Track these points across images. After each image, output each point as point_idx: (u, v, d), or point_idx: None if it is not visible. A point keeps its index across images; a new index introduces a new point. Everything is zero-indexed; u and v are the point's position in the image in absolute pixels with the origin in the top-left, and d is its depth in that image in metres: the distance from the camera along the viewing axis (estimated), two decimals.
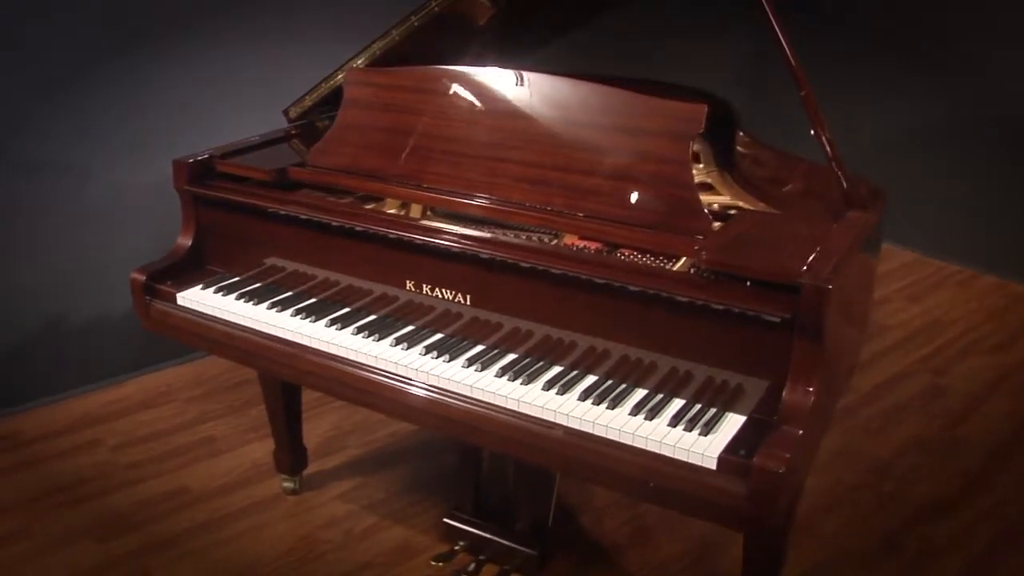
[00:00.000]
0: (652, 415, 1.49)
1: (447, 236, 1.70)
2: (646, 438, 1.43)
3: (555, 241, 1.77)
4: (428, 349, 1.71)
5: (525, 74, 1.79)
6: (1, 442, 2.71)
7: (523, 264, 1.62)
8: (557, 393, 1.56)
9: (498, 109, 1.79)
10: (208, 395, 2.99)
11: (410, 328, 1.79)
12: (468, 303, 1.72)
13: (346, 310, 1.87)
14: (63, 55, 2.67)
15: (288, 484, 2.47)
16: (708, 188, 1.95)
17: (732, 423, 1.47)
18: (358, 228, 1.80)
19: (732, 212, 1.81)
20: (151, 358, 3.11)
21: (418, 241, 1.73)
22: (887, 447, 2.71)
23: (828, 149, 1.70)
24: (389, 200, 1.96)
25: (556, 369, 1.64)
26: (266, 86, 2.74)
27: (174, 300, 1.97)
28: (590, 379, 1.61)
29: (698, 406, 1.51)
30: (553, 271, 1.59)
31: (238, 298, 1.94)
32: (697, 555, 2.24)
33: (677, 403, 1.53)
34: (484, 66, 1.84)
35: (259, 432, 2.71)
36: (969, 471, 2.59)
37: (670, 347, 1.55)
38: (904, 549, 2.27)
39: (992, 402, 2.98)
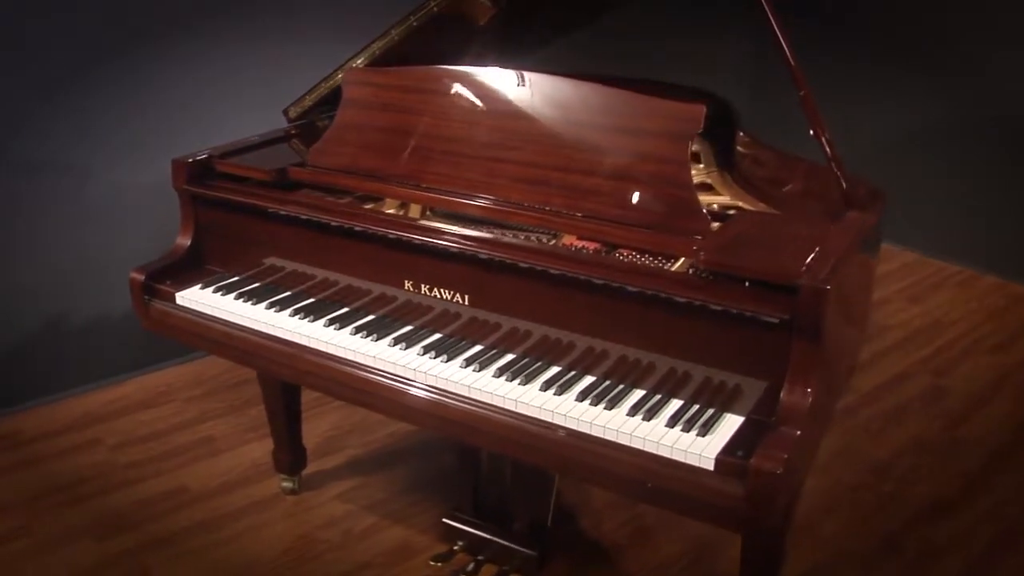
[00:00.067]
0: (650, 415, 1.49)
1: (446, 236, 1.70)
2: (644, 438, 1.43)
3: (554, 241, 1.76)
4: (426, 349, 1.71)
5: (524, 74, 1.79)
6: (1, 441, 2.72)
7: (522, 264, 1.62)
8: (555, 393, 1.56)
9: (497, 109, 1.79)
10: (208, 395, 3.00)
11: (408, 328, 1.79)
12: (466, 303, 1.72)
13: (345, 310, 1.87)
14: (63, 55, 2.67)
15: (287, 484, 2.47)
16: (708, 188, 1.95)
17: (730, 424, 1.47)
18: (357, 228, 1.80)
19: (731, 212, 1.81)
20: (151, 358, 3.11)
21: (417, 241, 1.73)
22: (887, 448, 2.71)
23: (827, 149, 1.70)
24: (388, 200, 1.96)
25: (554, 369, 1.64)
26: (266, 86, 2.74)
27: (173, 300, 1.97)
28: (588, 379, 1.61)
29: (696, 407, 1.51)
30: (551, 271, 1.59)
31: (237, 298, 1.94)
32: (696, 556, 2.23)
33: (675, 403, 1.53)
34: (484, 66, 1.84)
35: (258, 432, 2.71)
36: (969, 472, 2.59)
37: (668, 347, 1.54)
38: (904, 550, 2.27)
39: (993, 403, 2.98)
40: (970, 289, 3.89)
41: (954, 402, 2.97)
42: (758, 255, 1.52)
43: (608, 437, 1.46)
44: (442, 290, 1.74)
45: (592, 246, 1.72)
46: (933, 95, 4.07)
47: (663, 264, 1.64)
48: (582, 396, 1.55)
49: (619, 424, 1.47)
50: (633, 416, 1.49)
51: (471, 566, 2.09)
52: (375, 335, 1.76)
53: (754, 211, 1.82)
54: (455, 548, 2.14)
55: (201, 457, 2.65)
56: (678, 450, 1.40)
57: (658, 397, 1.54)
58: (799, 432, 1.36)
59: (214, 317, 1.92)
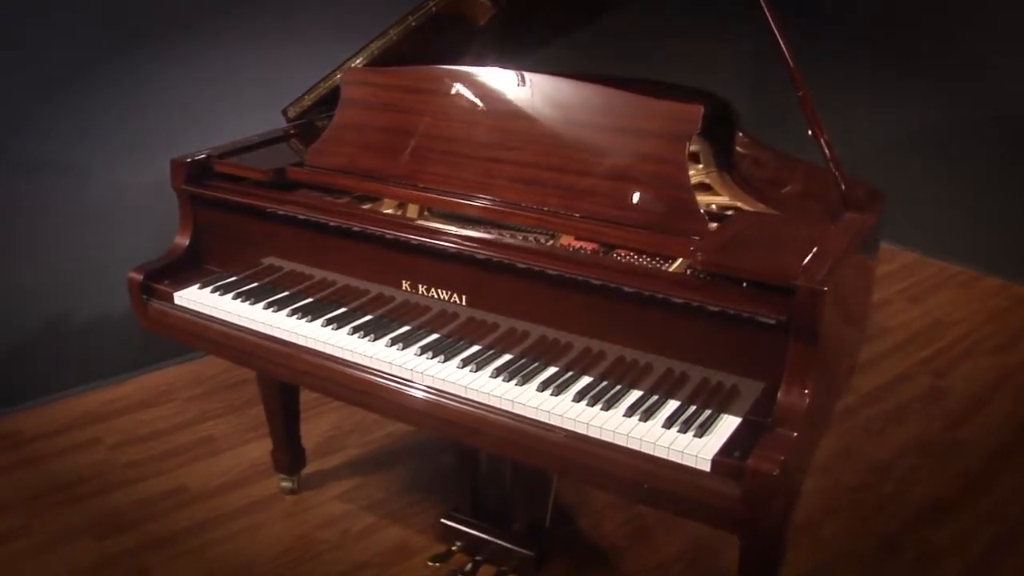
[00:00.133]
0: (647, 416, 1.49)
1: (443, 236, 1.70)
2: (640, 439, 1.43)
3: (551, 242, 1.76)
4: (424, 349, 1.71)
5: (522, 74, 1.79)
6: (1, 441, 2.72)
7: (519, 265, 1.61)
8: (552, 394, 1.56)
9: (495, 109, 1.79)
10: (208, 394, 3.00)
11: (406, 328, 1.79)
12: (464, 303, 1.72)
13: (342, 310, 1.87)
14: (63, 55, 2.67)
15: (286, 484, 2.47)
16: (707, 188, 1.95)
17: (727, 425, 1.46)
18: (355, 228, 1.80)
19: (730, 213, 1.81)
20: (151, 357, 3.11)
21: (414, 241, 1.73)
22: (887, 448, 2.70)
23: (826, 150, 1.70)
24: (386, 200, 1.96)
25: (551, 370, 1.64)
26: (266, 86, 2.74)
27: (171, 299, 1.97)
28: (585, 380, 1.60)
29: (693, 407, 1.51)
30: (549, 272, 1.59)
31: (235, 298, 1.94)
32: (695, 556, 2.23)
33: (672, 404, 1.52)
34: (484, 66, 1.84)
35: (258, 432, 2.71)
36: (969, 473, 2.59)
37: (666, 348, 1.54)
38: (904, 551, 2.27)
39: (993, 404, 2.97)
40: (971, 290, 3.88)
41: (954, 403, 2.96)
42: (756, 256, 1.52)
43: (605, 438, 1.46)
44: (440, 290, 1.74)
45: (590, 246, 1.72)
46: (934, 95, 4.06)
47: (661, 265, 1.63)
48: (579, 396, 1.55)
49: (616, 425, 1.47)
50: (630, 417, 1.49)
51: (469, 566, 2.09)
52: (372, 335, 1.76)
53: (752, 212, 1.82)
54: (453, 548, 2.14)
55: (201, 457, 2.66)
56: (675, 451, 1.40)
57: (655, 398, 1.54)
58: (796, 433, 1.35)
59: (212, 317, 1.92)
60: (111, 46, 2.76)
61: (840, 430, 2.76)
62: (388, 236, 1.76)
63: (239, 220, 1.98)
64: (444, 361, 1.68)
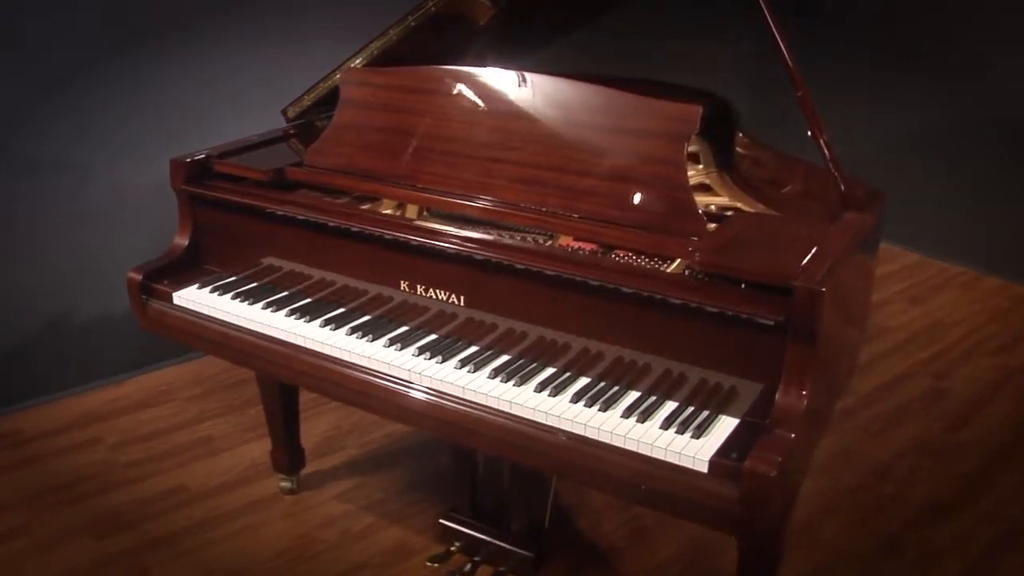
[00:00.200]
0: (644, 417, 1.48)
1: (442, 237, 1.70)
2: (638, 440, 1.43)
3: (550, 242, 1.76)
4: (421, 350, 1.71)
5: (521, 74, 1.78)
6: (1, 440, 2.72)
7: (517, 265, 1.61)
8: (550, 395, 1.56)
9: (494, 109, 1.79)
10: (208, 394, 3.00)
11: (404, 329, 1.79)
12: (462, 304, 1.72)
13: (341, 310, 1.87)
14: (63, 55, 2.67)
15: (285, 484, 2.47)
16: (706, 189, 1.95)
17: (725, 426, 1.46)
18: (354, 228, 1.80)
19: (729, 213, 1.80)
20: (151, 357, 3.11)
21: (413, 242, 1.72)
22: (887, 449, 2.70)
23: (825, 151, 1.69)
24: (385, 200, 1.96)
25: (549, 371, 1.64)
26: (266, 86, 2.74)
27: (170, 299, 1.97)
28: (583, 381, 1.60)
29: (691, 408, 1.51)
30: (547, 272, 1.59)
31: (234, 298, 1.94)
32: (694, 557, 2.23)
33: (670, 405, 1.52)
34: (484, 66, 1.84)
35: (258, 431, 2.71)
36: (969, 474, 2.58)
37: (664, 349, 1.54)
38: (904, 552, 2.26)
39: (993, 404, 2.96)
40: (972, 290, 3.87)
41: (954, 404, 2.96)
42: (754, 256, 1.52)
43: (602, 439, 1.46)
44: (438, 291, 1.74)
45: (588, 247, 1.72)
46: (934, 95, 4.06)
47: (659, 265, 1.63)
48: (577, 397, 1.55)
49: (613, 425, 1.47)
50: (628, 418, 1.49)
51: (468, 567, 2.09)
52: (371, 336, 1.76)
53: (751, 212, 1.82)
54: (452, 549, 2.14)
55: (200, 456, 2.66)
56: (672, 452, 1.40)
57: (653, 399, 1.54)
58: (794, 435, 1.35)
59: (211, 317, 1.92)
60: (111, 46, 2.76)
61: (840, 431, 2.76)
62: (387, 236, 1.76)
63: (238, 220, 1.98)
64: (442, 361, 1.68)
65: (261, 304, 1.90)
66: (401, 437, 2.75)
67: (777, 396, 1.39)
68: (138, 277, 1.98)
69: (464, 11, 2.09)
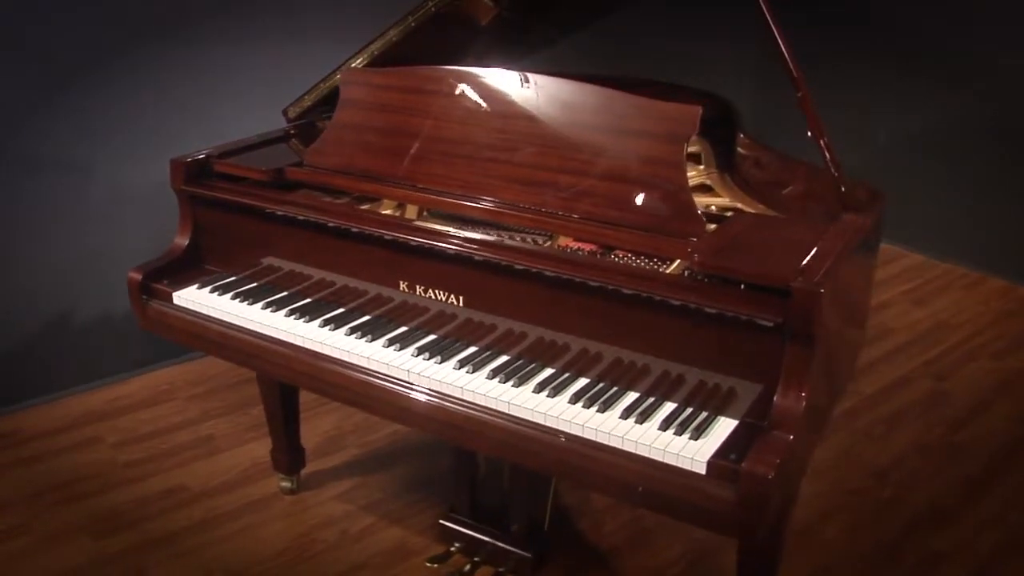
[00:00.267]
0: (643, 418, 1.48)
1: (441, 237, 1.69)
2: (636, 441, 1.43)
3: (549, 243, 1.76)
4: (420, 350, 1.71)
5: (520, 74, 1.78)
6: (1, 440, 2.72)
7: (516, 266, 1.61)
8: (548, 396, 1.56)
9: (493, 110, 1.79)
10: (209, 393, 3.00)
11: (403, 329, 1.79)
12: (461, 304, 1.71)
13: (340, 311, 1.87)
14: (63, 55, 2.68)
15: (286, 483, 2.47)
16: (707, 190, 1.94)
17: (723, 427, 1.46)
18: (353, 229, 1.80)
19: (730, 214, 1.80)
20: (152, 356, 3.11)
21: (412, 242, 1.72)
22: (888, 452, 2.69)
23: (825, 151, 1.69)
24: (385, 200, 1.96)
25: (548, 371, 1.63)
26: (266, 86, 2.75)
27: (170, 299, 1.97)
28: (582, 382, 1.60)
29: (689, 410, 1.50)
30: (546, 273, 1.58)
31: (233, 298, 1.94)
32: (694, 559, 2.22)
33: (668, 406, 1.52)
34: (486, 66, 1.84)
35: (259, 431, 2.71)
36: (971, 477, 2.57)
37: (662, 350, 1.54)
38: (904, 556, 2.26)
39: (996, 407, 2.95)
40: (976, 292, 3.86)
41: (956, 406, 2.95)
42: (753, 258, 1.51)
43: (600, 440, 1.46)
44: (437, 291, 1.73)
45: (588, 248, 1.71)
46: (942, 96, 4.05)
47: (658, 266, 1.63)
48: (575, 398, 1.54)
49: (612, 427, 1.46)
50: (626, 419, 1.48)
51: (468, 567, 2.08)
52: (370, 336, 1.76)
53: (751, 213, 1.81)
54: (452, 549, 2.14)
55: (201, 456, 2.66)
56: (670, 453, 1.39)
57: (652, 400, 1.53)
58: (792, 436, 1.35)
59: (210, 317, 1.92)
60: (111, 46, 2.76)
61: (841, 433, 2.75)
62: (386, 237, 1.75)
63: (238, 220, 1.98)
64: (441, 362, 1.67)
65: (261, 304, 1.90)
66: (402, 437, 2.75)
67: (775, 397, 1.39)
68: (138, 277, 1.98)
69: (465, 11, 2.09)
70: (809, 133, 1.68)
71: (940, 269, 4.08)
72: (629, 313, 1.53)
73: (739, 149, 2.04)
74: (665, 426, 1.46)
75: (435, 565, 2.12)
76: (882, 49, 4.20)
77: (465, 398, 1.59)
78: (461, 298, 1.71)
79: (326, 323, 1.82)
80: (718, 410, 1.49)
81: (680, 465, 1.39)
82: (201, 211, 2.04)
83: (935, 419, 2.87)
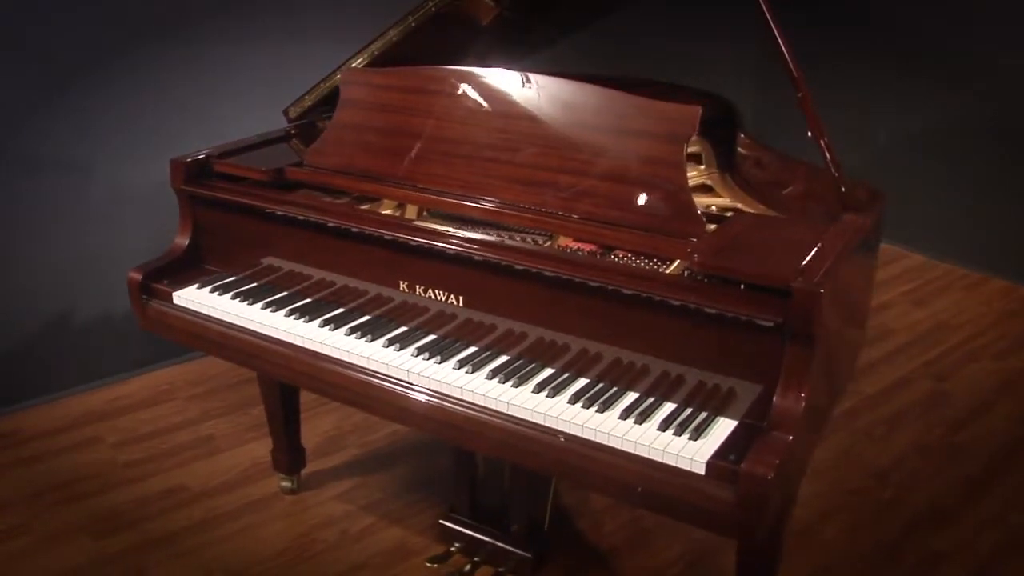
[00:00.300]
0: (642, 419, 1.48)
1: (441, 238, 1.69)
2: (635, 442, 1.42)
3: (549, 243, 1.76)
4: (420, 350, 1.71)
5: (520, 74, 1.78)
6: (1, 440, 2.72)
7: (516, 266, 1.61)
8: (548, 396, 1.56)
9: (493, 109, 1.79)
10: (210, 393, 3.00)
11: (403, 329, 1.79)
12: (461, 304, 1.71)
13: (340, 310, 1.87)
14: (63, 55, 2.68)
15: (286, 483, 2.47)
16: (708, 190, 1.94)
17: (723, 428, 1.46)
18: (353, 229, 1.80)
19: (730, 214, 1.80)
20: (153, 356, 3.11)
21: (412, 242, 1.72)
22: (888, 453, 2.69)
23: (826, 152, 1.69)
24: (385, 200, 1.96)
25: (547, 371, 1.63)
26: (267, 86, 2.75)
27: (170, 299, 1.97)
28: (581, 382, 1.60)
29: (689, 410, 1.50)
30: (546, 273, 1.58)
31: (233, 298, 1.94)
32: (693, 559, 2.22)
33: (668, 407, 1.52)
34: (488, 66, 1.84)
35: (260, 431, 2.71)
36: (971, 477, 2.57)
37: (662, 350, 1.53)
38: (904, 556, 2.25)
39: (996, 407, 2.95)
40: (977, 293, 3.86)
41: (957, 407, 2.94)
42: (752, 258, 1.51)
43: (599, 440, 1.46)
44: (437, 291, 1.73)
45: (587, 248, 1.71)
46: (942, 96, 4.04)
47: (658, 266, 1.63)
48: (575, 398, 1.54)
49: (610, 427, 1.46)
50: (625, 419, 1.48)
51: (467, 567, 2.08)
52: (369, 336, 1.76)
53: (750, 213, 1.81)
54: (452, 549, 2.14)
55: (201, 456, 2.66)
56: (669, 454, 1.39)
57: (651, 400, 1.53)
58: (791, 437, 1.35)
59: (210, 317, 1.92)
60: (111, 46, 2.76)
61: (841, 433, 2.75)
62: (386, 237, 1.75)
63: (238, 220, 1.98)
64: (441, 362, 1.67)
65: (260, 304, 1.90)
66: (402, 437, 2.75)
67: (775, 398, 1.39)
68: (138, 277, 1.98)
69: (466, 11, 2.09)
70: (809, 133, 1.68)
71: (941, 269, 4.08)
72: (629, 313, 1.53)
73: (740, 149, 2.04)
74: (664, 426, 1.46)
75: (435, 565, 2.12)
76: (882, 49, 4.20)
77: (464, 398, 1.59)
78: (461, 298, 1.71)
79: (326, 323, 1.82)
80: (718, 411, 1.49)
81: (679, 465, 1.39)
82: (201, 211, 2.04)
83: (935, 419, 2.87)
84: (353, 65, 2.08)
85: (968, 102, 3.95)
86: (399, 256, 1.76)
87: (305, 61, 2.40)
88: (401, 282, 1.78)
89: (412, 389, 1.65)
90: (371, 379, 1.70)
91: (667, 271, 1.60)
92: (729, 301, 1.44)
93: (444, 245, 1.67)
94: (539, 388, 1.57)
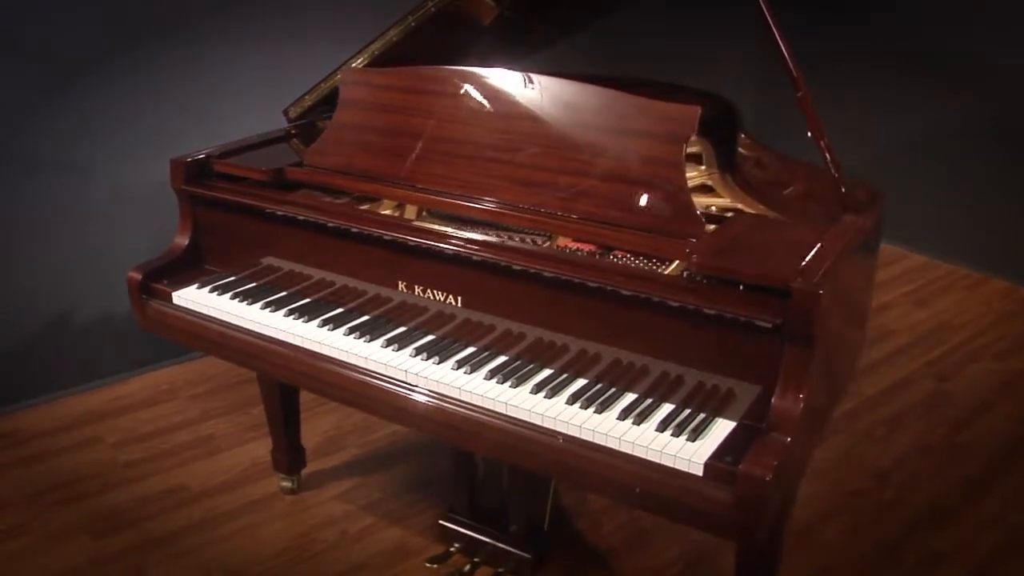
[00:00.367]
0: (640, 420, 1.48)
1: (440, 238, 1.69)
2: (633, 443, 1.42)
3: (548, 243, 1.76)
4: (419, 351, 1.71)
5: (519, 74, 1.78)
6: (1, 439, 2.73)
7: (515, 266, 1.61)
8: (546, 396, 1.55)
9: (493, 110, 1.79)
10: (210, 393, 3.00)
11: (402, 329, 1.79)
12: (460, 305, 1.71)
13: (339, 311, 1.87)
14: (63, 55, 2.68)
15: (286, 483, 2.47)
16: (708, 190, 1.94)
17: (721, 429, 1.45)
18: (353, 229, 1.80)
19: (730, 215, 1.80)
20: (153, 356, 3.12)
21: (411, 243, 1.72)
22: (889, 453, 2.68)
23: (825, 152, 1.69)
24: (385, 200, 1.96)
25: (546, 372, 1.63)
26: (267, 86, 2.75)
27: (170, 299, 1.97)
28: (579, 383, 1.60)
29: (687, 411, 1.50)
30: (545, 274, 1.58)
31: (233, 298, 1.94)
32: (692, 560, 2.22)
33: (666, 408, 1.52)
34: (489, 66, 1.84)
35: (260, 431, 2.71)
36: (971, 477, 2.57)
37: (661, 351, 1.53)
38: (904, 556, 2.25)
39: (997, 408, 2.95)
40: (979, 293, 3.85)
41: (958, 407, 2.94)
42: (751, 258, 1.51)
43: (597, 441, 1.45)
44: (436, 291, 1.73)
45: (587, 248, 1.71)
46: (942, 96, 4.04)
47: (657, 267, 1.62)
48: (573, 399, 1.54)
49: (608, 428, 1.46)
50: (624, 420, 1.48)
51: (467, 568, 2.08)
52: (368, 336, 1.76)
53: (750, 213, 1.81)
54: (451, 550, 2.14)
55: (201, 456, 2.66)
56: (667, 455, 1.39)
57: (649, 401, 1.53)
58: (790, 438, 1.34)
59: (210, 317, 1.92)
60: (111, 46, 2.76)
61: (842, 434, 2.75)
62: (385, 237, 1.75)
63: (238, 220, 1.98)
64: (439, 362, 1.67)
65: (260, 304, 1.90)
66: (401, 438, 2.75)
67: (773, 399, 1.39)
68: (138, 277, 1.99)
69: (466, 11, 2.09)
70: (809, 133, 1.68)
71: (942, 270, 4.08)
72: (628, 314, 1.53)
73: (740, 149, 2.04)
74: (663, 427, 1.45)
75: (435, 565, 2.12)
76: (882, 49, 4.19)
77: (463, 398, 1.59)
78: (460, 298, 1.71)
79: (325, 323, 1.82)
80: (716, 411, 1.49)
81: (677, 467, 1.38)
82: (201, 211, 2.04)
83: (937, 420, 2.87)
84: (353, 65, 2.08)
85: (968, 102, 3.94)
86: (398, 256, 1.76)
87: (305, 61, 2.40)
88: (400, 282, 1.78)
89: (411, 389, 1.65)
90: (370, 379, 1.70)
91: (666, 271, 1.60)
92: (728, 302, 1.43)
93: (443, 245, 1.67)
94: (537, 388, 1.57)
